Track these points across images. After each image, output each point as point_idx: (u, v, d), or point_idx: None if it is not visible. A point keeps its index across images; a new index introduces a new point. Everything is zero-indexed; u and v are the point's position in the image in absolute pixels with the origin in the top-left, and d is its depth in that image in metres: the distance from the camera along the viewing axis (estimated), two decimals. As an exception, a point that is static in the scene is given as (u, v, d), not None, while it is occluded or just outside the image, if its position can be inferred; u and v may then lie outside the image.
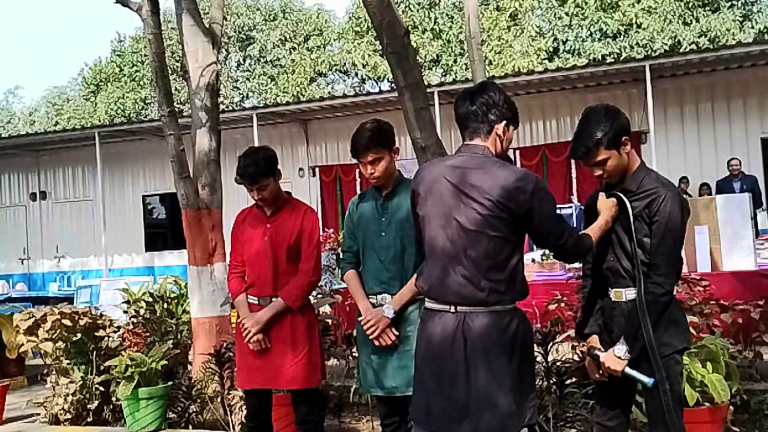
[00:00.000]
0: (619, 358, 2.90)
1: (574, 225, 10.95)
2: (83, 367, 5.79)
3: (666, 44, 21.37)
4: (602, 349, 3.01)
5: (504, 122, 2.76)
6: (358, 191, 14.67)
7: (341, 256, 3.76)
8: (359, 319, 3.53)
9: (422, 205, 2.83)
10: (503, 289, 2.67)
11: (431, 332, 2.76)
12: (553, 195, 2.79)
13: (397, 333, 3.41)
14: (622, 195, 2.96)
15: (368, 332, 3.44)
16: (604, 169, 2.95)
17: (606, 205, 2.98)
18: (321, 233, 12.09)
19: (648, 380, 2.86)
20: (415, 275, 3.33)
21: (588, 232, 2.91)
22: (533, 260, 7.64)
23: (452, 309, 2.70)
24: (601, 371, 3.01)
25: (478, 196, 2.64)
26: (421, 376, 2.84)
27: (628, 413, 3.17)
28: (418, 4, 24.49)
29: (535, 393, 2.80)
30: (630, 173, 2.98)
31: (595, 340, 3.08)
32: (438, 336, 2.73)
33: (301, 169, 15.70)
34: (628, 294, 2.96)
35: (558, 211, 2.77)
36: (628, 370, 2.91)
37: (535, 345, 4.46)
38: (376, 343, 3.42)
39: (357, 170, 14.82)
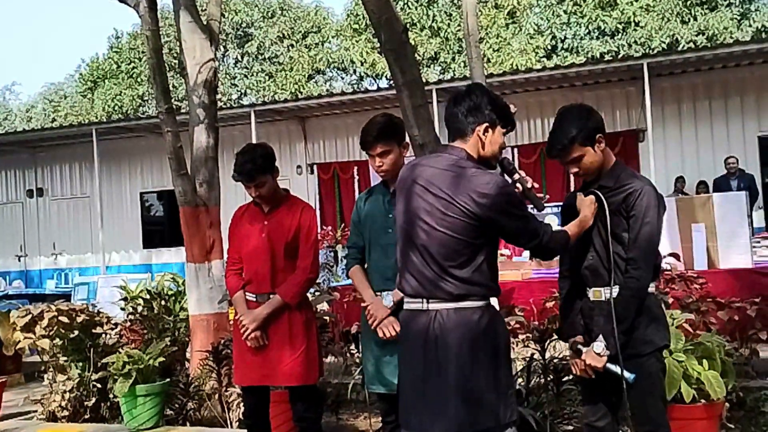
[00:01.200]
0: (598, 354, 2.91)
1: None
2: (80, 364, 5.80)
3: (664, 42, 21.38)
4: (585, 346, 3.01)
5: (486, 124, 2.76)
6: (356, 188, 14.67)
7: (347, 251, 3.74)
8: (364, 311, 3.52)
9: (397, 203, 2.90)
10: (470, 286, 2.68)
11: (407, 332, 2.82)
12: (518, 197, 2.79)
13: (398, 328, 3.40)
14: (599, 192, 2.98)
15: (369, 321, 3.44)
16: (579, 166, 3.00)
17: (585, 203, 3.00)
18: (319, 230, 12.11)
19: (629, 375, 2.87)
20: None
21: (566, 227, 2.94)
22: (531, 258, 7.63)
23: (424, 306, 2.72)
24: (583, 368, 3.00)
25: (442, 197, 2.68)
26: (401, 376, 2.89)
27: (616, 412, 3.17)
28: (417, 1, 24.45)
29: (513, 390, 2.81)
30: (606, 170, 3.03)
31: (579, 338, 3.08)
32: (413, 335, 2.77)
33: (299, 166, 15.69)
34: (608, 293, 2.97)
35: (527, 211, 2.77)
36: (609, 365, 2.92)
37: (532, 342, 4.51)
38: (379, 333, 3.41)
39: (355, 168, 14.81)
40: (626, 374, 2.87)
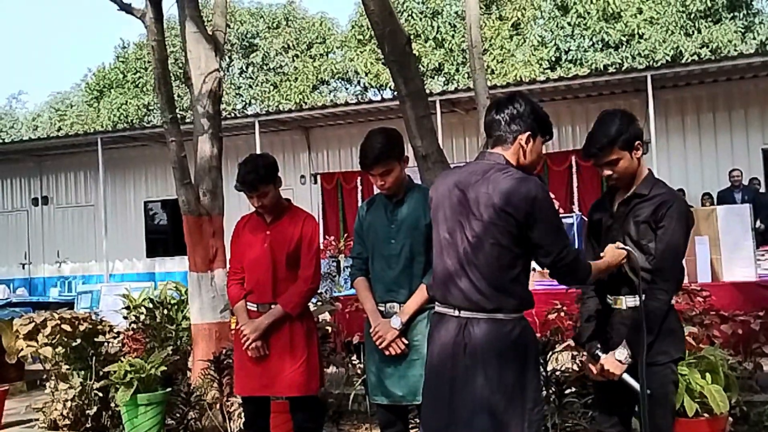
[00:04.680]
0: (620, 361, 2.92)
1: (575, 234, 10.92)
2: (82, 372, 5.79)
3: (668, 55, 21.39)
4: (603, 351, 3.01)
5: (528, 133, 2.76)
6: (360, 199, 14.68)
7: (351, 261, 3.71)
8: (369, 330, 3.50)
9: (434, 209, 2.88)
10: (505, 296, 2.66)
11: (436, 337, 2.80)
12: (556, 209, 2.77)
13: (406, 342, 3.39)
14: (630, 250, 2.94)
15: (377, 343, 3.43)
16: (614, 169, 3.01)
17: (612, 254, 2.96)
18: (322, 240, 12.11)
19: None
20: (424, 282, 3.34)
21: (591, 263, 2.86)
22: (534, 269, 7.63)
23: (456, 313, 2.71)
24: (599, 371, 3.01)
25: (482, 202, 2.66)
26: (426, 381, 2.88)
27: (628, 422, 3.17)
28: (421, 12, 24.53)
29: (541, 406, 2.76)
30: (640, 179, 3.06)
31: (595, 343, 3.08)
32: (441, 341, 2.76)
33: (302, 176, 15.72)
34: (629, 301, 3.00)
35: (561, 224, 2.73)
36: (625, 376, 2.92)
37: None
38: (386, 352, 3.41)
39: (358, 178, 14.82)
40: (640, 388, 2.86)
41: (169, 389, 5.40)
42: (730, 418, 4.18)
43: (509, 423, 2.63)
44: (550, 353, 4.52)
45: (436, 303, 2.84)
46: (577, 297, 5.23)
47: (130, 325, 6.91)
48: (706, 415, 3.87)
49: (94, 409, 5.64)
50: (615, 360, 2.93)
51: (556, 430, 4.30)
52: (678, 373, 3.10)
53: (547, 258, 2.69)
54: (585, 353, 3.13)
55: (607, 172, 3.03)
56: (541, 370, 4.46)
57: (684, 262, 3.14)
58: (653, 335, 2.90)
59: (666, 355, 2.95)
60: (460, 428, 2.68)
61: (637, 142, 3.01)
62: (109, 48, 62.45)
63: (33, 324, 5.92)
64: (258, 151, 11.19)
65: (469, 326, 2.67)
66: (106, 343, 6.04)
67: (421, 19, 24.34)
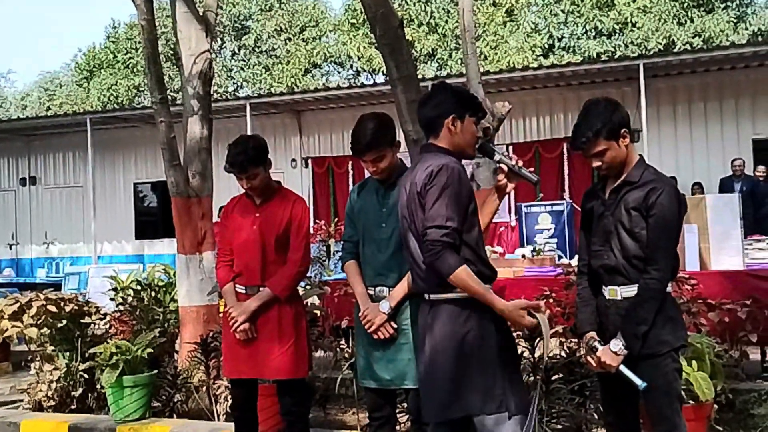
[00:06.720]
0: (615, 353, 2.91)
1: (565, 222, 10.90)
2: (68, 353, 5.77)
3: (660, 44, 21.39)
4: (602, 342, 3.00)
5: (452, 116, 2.88)
6: (351, 183, 14.63)
7: (342, 245, 3.69)
8: (359, 314, 3.49)
9: None
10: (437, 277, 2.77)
11: (420, 321, 3.00)
12: (460, 187, 2.74)
13: (395, 326, 3.38)
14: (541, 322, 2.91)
15: (366, 327, 3.41)
16: (602, 160, 3.00)
17: (607, 356, 2.94)
18: (312, 225, 12.07)
19: (640, 383, 2.84)
20: None
21: (469, 271, 2.71)
22: (523, 256, 7.64)
23: (426, 296, 2.90)
24: (599, 364, 3.00)
25: (409, 191, 2.88)
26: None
27: (635, 413, 3.16)
28: (415, -3, 24.42)
29: (505, 383, 2.73)
30: (630, 166, 3.02)
31: (593, 335, 3.07)
32: (420, 324, 2.97)
33: (293, 160, 15.65)
34: (623, 292, 2.97)
35: (448, 198, 2.69)
36: (622, 368, 2.90)
37: (522, 340, 4.50)
38: (375, 336, 3.40)
39: (350, 162, 14.77)
40: (637, 381, 2.85)
41: (155, 371, 5.38)
42: (716, 405, 4.21)
43: (464, 397, 2.74)
44: (538, 339, 4.52)
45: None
46: (565, 284, 5.26)
47: (117, 306, 6.89)
48: (691, 402, 3.90)
49: (80, 390, 5.62)
50: (611, 352, 2.92)
51: (543, 415, 4.31)
52: (680, 361, 3.04)
53: (424, 227, 2.75)
54: (585, 344, 3.12)
55: (597, 164, 3.02)
56: (529, 356, 4.48)
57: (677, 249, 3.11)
58: (648, 325, 2.87)
59: (665, 344, 2.91)
60: (429, 402, 2.86)
61: (623, 130, 2.97)
62: (99, 28, 61.97)
63: (18, 304, 5.89)
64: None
65: (433, 308, 2.85)
66: (92, 325, 6.02)
67: (414, 4, 24.22)
